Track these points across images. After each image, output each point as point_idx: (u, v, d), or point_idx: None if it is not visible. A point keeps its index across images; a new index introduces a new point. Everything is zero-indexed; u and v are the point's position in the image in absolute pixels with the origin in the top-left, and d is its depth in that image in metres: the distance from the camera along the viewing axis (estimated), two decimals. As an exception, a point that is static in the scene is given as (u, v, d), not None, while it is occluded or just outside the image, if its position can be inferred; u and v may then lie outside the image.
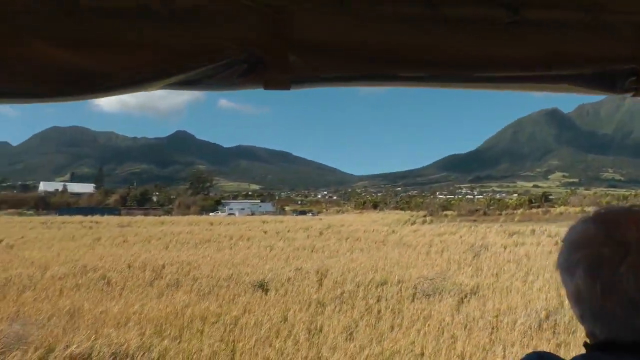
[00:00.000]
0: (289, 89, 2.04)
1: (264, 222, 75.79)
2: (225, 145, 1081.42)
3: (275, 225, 66.28)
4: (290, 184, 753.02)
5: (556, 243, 37.09)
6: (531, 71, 2.15)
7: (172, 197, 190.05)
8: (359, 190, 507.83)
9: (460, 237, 45.41)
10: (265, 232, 52.24)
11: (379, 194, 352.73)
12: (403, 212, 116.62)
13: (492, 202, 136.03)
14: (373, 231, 52.60)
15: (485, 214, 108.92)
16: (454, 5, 1.99)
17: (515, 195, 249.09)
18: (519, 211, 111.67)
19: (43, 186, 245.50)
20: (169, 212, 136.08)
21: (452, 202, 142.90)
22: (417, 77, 2.13)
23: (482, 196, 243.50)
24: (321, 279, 22.24)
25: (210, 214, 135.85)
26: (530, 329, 14.28)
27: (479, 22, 2.03)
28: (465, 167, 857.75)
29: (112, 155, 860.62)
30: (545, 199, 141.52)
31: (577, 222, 1.55)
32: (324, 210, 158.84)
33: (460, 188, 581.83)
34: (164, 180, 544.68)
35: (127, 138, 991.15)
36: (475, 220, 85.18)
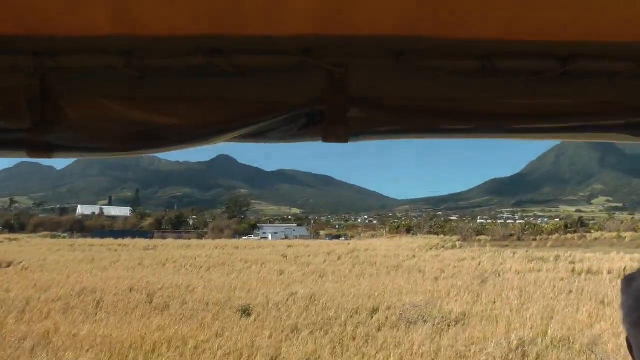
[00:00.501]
0: (347, 142, 2.08)
1: (289, 246, 75.62)
2: (267, 170, 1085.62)
3: (299, 249, 66.09)
4: (331, 208, 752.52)
5: (573, 270, 36.52)
6: (581, 121, 2.17)
7: (208, 220, 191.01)
8: (399, 215, 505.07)
9: (479, 263, 44.85)
10: (284, 257, 52.07)
11: (418, 218, 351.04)
12: (436, 236, 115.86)
13: (527, 227, 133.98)
14: (393, 256, 52.19)
15: (519, 239, 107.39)
16: (507, 58, 2.03)
17: (557, 219, 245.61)
18: (554, 237, 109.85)
19: (81, 209, 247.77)
20: (202, 236, 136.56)
21: (487, 226, 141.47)
22: (471, 129, 2.17)
23: (523, 221, 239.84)
24: (308, 305, 21.97)
25: (243, 237, 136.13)
26: (494, 359, 13.90)
27: (531, 73, 2.07)
28: (507, 191, 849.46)
29: (155, 179, 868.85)
30: (581, 224, 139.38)
31: None
32: (360, 234, 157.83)
33: (502, 212, 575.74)
34: (205, 204, 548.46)
35: (170, 162, 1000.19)
36: (506, 246, 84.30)
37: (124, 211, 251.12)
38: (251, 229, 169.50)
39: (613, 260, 43.45)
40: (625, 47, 2.08)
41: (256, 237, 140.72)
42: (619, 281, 1.26)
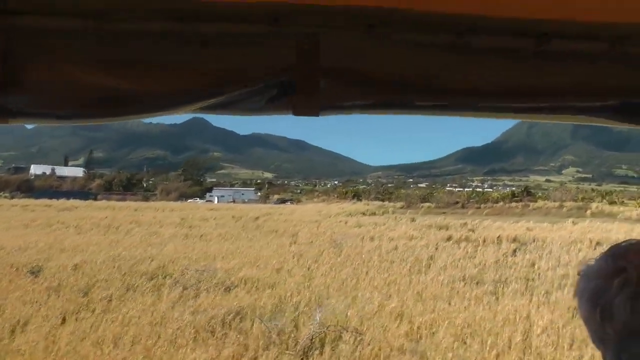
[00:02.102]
0: (317, 115, 2.01)
1: (212, 209, 74.82)
2: (241, 133, 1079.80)
3: (217, 212, 65.27)
4: (304, 173, 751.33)
5: (449, 237, 36.02)
6: (556, 102, 2.16)
7: (165, 183, 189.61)
8: (369, 181, 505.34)
9: (375, 228, 44.38)
10: (183, 219, 51.24)
11: (388, 185, 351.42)
12: (381, 202, 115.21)
13: (473, 194, 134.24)
14: (298, 221, 51.42)
15: (462, 206, 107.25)
16: (482, 35, 2.00)
17: (552, 189, 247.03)
18: (498, 205, 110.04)
19: (33, 169, 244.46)
20: (147, 198, 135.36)
21: (434, 193, 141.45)
22: (442, 106, 2.13)
23: (491, 189, 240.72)
24: (101, 268, 21.41)
25: (189, 200, 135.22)
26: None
27: (506, 51, 2.06)
28: (479, 160, 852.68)
29: (127, 140, 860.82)
30: (527, 193, 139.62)
31: (597, 257, 1.54)
32: (313, 199, 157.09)
33: (473, 181, 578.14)
34: (177, 166, 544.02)
35: (143, 124, 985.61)
36: (444, 213, 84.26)
37: (77, 172, 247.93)
38: (202, 192, 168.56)
39: (518, 229, 43.28)
40: (602, 28, 2.07)
41: (202, 201, 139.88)
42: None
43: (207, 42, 1.90)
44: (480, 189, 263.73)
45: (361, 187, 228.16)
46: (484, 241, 33.86)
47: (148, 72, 1.93)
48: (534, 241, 33.91)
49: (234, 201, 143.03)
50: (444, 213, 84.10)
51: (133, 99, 1.95)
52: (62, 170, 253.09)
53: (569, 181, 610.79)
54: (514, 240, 34.62)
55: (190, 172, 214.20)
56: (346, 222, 52.12)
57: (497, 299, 17.34)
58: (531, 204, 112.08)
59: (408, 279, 20.65)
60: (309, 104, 1.95)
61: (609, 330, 1.41)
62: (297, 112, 1.97)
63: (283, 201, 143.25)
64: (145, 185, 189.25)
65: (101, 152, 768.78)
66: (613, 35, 2.07)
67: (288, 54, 1.91)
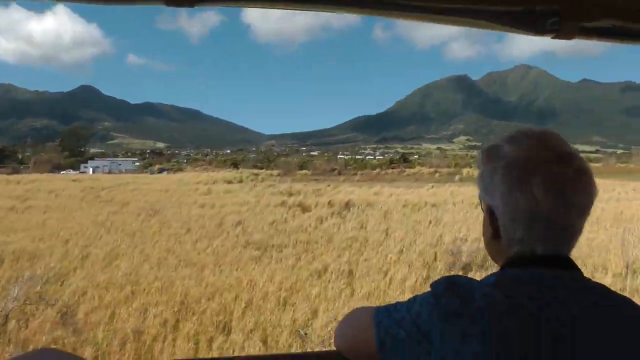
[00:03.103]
0: (192, 7, 1.84)
1: (74, 180, 72.68)
2: (133, 102, 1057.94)
3: (73, 184, 63.18)
4: (197, 142, 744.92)
5: (282, 203, 35.66)
6: (454, 3, 2.06)
7: (42, 154, 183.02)
8: (262, 149, 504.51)
9: (219, 195, 43.97)
10: (26, 191, 49.30)
11: (282, 153, 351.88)
12: (258, 170, 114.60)
13: (352, 162, 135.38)
14: (148, 191, 50.29)
15: (339, 173, 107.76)
16: None
17: (416, 156, 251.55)
18: (375, 171, 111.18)
19: None
20: (18, 171, 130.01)
21: (314, 161, 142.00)
22: (341, 0, 1.96)
23: (382, 157, 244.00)
24: None
25: (62, 172, 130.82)
26: None
27: None
28: (373, 128, 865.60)
29: (11, 109, 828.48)
30: (404, 160, 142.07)
31: (507, 142, 1.56)
32: (195, 168, 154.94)
33: (365, 149, 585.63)
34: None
35: (28, 91, 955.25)
36: (317, 180, 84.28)
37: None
38: (78, 164, 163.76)
39: (366, 194, 43.64)
40: None
41: (74, 172, 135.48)
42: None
43: None
44: (372, 157, 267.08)
45: (251, 155, 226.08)
46: (316, 206, 33.73)
47: None
48: (367, 205, 34.00)
49: (109, 172, 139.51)
50: (316, 180, 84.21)
51: None
52: None
53: (460, 149, 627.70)
54: (346, 204, 34.54)
55: (69, 143, 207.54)
56: (196, 189, 51.37)
57: (257, 263, 16.91)
58: (407, 170, 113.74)
59: (190, 246, 20.19)
60: None
61: (562, 213, 1.43)
62: (170, 2, 1.79)
63: (162, 171, 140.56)
64: (20, 157, 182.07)
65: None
66: None
67: None
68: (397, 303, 1.48)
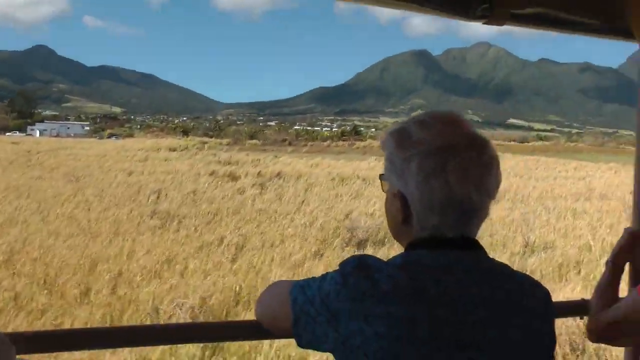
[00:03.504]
0: None
1: (12, 142, 71.16)
2: (88, 65, 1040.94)
3: (10, 147, 62.02)
4: (154, 108, 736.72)
5: (211, 173, 35.18)
6: None
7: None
8: (219, 118, 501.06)
9: (154, 163, 43.38)
10: None
11: (238, 122, 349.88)
12: (208, 138, 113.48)
13: (303, 133, 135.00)
14: (84, 157, 49.41)
15: (290, 144, 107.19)
16: None
17: (374, 129, 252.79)
18: (326, 143, 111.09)
19: None
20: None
21: (265, 131, 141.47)
22: None
23: (338, 129, 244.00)
24: None
25: (7, 134, 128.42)
26: None
27: None
28: (332, 100, 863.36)
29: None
30: (355, 133, 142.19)
31: (417, 126, 1.53)
32: (146, 135, 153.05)
33: (323, 120, 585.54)
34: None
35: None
36: (265, 150, 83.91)
37: None
38: (27, 125, 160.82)
39: (303, 165, 43.85)
40: None
41: (21, 134, 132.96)
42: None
43: None
44: (329, 128, 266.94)
45: (206, 124, 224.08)
46: (246, 176, 33.39)
47: None
48: (298, 177, 33.73)
49: (57, 135, 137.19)
50: (264, 150, 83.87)
51: None
52: None
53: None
54: (277, 175, 34.21)
55: (19, 104, 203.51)
56: (134, 156, 50.52)
57: (153, 233, 16.48)
58: (357, 142, 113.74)
59: (95, 214, 19.69)
60: None
61: (476, 197, 1.45)
62: None
63: (111, 136, 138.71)
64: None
65: None
66: None
67: None
68: (311, 279, 1.49)
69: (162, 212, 19.89)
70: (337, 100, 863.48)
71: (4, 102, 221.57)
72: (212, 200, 23.47)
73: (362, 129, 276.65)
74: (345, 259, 1.50)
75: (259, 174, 34.79)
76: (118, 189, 26.74)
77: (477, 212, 1.49)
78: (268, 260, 13.49)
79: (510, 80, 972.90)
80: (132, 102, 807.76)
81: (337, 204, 23.07)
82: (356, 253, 13.74)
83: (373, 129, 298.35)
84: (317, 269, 12.17)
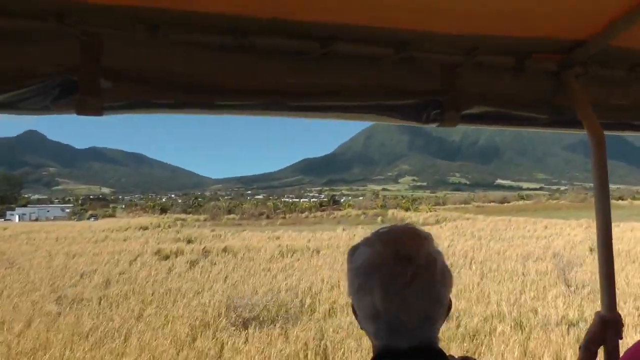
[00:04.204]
0: (101, 115, 2.02)
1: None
2: (78, 147, 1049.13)
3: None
4: (143, 187, 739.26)
5: (157, 252, 34.60)
6: (342, 101, 2.26)
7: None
8: (208, 194, 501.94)
9: (110, 243, 42.67)
10: None
11: (226, 197, 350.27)
12: (185, 215, 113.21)
13: (282, 205, 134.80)
14: (41, 240, 48.70)
15: (268, 217, 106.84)
16: (265, 36, 2.07)
17: (362, 198, 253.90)
18: (304, 214, 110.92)
19: None
20: None
21: (243, 204, 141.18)
22: (232, 106, 2.17)
23: (326, 199, 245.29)
24: None
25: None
26: None
27: (291, 53, 2.14)
28: (319, 171, 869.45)
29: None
30: (334, 202, 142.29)
31: (364, 244, 1.61)
32: (129, 214, 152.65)
33: (311, 191, 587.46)
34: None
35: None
36: (240, 225, 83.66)
37: None
38: (7, 210, 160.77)
39: (258, 239, 42.45)
40: (386, 32, 2.19)
41: (0, 219, 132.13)
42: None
43: None
44: (316, 199, 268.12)
45: (195, 200, 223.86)
46: (191, 252, 33.02)
47: None
48: (246, 251, 33.29)
49: (37, 219, 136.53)
50: (239, 225, 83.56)
51: None
52: None
53: (405, 189, 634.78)
54: (223, 250, 33.82)
55: (3, 190, 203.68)
56: (92, 237, 49.68)
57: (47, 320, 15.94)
58: (335, 212, 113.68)
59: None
60: (92, 104, 1.94)
61: (405, 318, 1.49)
62: (80, 111, 1.95)
63: (91, 217, 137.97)
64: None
65: None
66: (398, 41, 2.19)
67: (72, 53, 1.90)
68: None
69: (69, 296, 19.33)
70: (325, 170, 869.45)
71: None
72: (132, 282, 22.87)
73: (344, 198, 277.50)
74: None
75: (203, 249, 34.20)
76: (46, 272, 26.10)
77: (413, 326, 1.51)
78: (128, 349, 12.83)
79: (495, 141, 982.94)
80: (122, 182, 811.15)
81: (255, 280, 22.41)
82: (240, 334, 13.37)
83: (361, 197, 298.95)
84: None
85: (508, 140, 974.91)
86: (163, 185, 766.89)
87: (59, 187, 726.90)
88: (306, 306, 16.89)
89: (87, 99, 1.91)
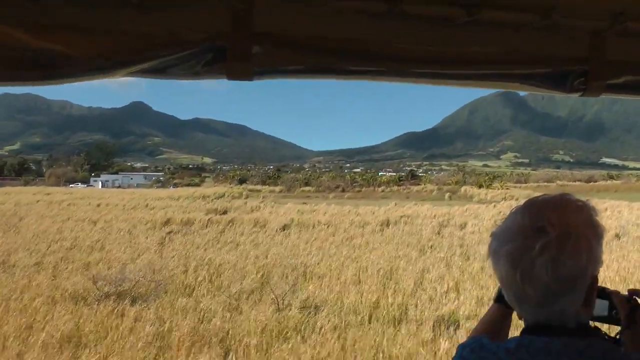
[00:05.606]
0: (252, 80, 2.07)
1: (48, 194, 72.95)
2: (182, 118, 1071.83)
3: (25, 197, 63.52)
4: (244, 158, 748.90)
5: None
6: (485, 69, 2.25)
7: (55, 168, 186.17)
8: (306, 166, 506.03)
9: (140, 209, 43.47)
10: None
11: (324, 170, 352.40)
12: (261, 186, 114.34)
13: (360, 178, 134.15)
14: (73, 205, 50.00)
15: (343, 190, 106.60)
16: (413, 3, 2.04)
17: (443, 173, 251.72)
18: (381, 189, 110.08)
19: None
20: (28, 183, 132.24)
21: (321, 177, 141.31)
22: (375, 71, 2.16)
23: (425, 174, 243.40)
24: None
25: (71, 185, 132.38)
26: None
27: (437, 19, 2.11)
28: (421, 145, 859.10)
29: (66, 124, 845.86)
30: (412, 177, 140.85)
31: (511, 212, 1.59)
32: (216, 184, 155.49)
33: (410, 165, 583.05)
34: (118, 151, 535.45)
35: (82, 107, 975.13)
36: (308, 197, 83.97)
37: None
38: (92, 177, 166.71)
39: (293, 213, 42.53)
40: None
41: (83, 185, 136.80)
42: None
43: (140, 5, 1.88)
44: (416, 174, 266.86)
45: (291, 174, 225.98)
46: (199, 222, 33.34)
47: (82, 35, 1.87)
48: (250, 223, 33.87)
49: (119, 186, 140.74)
50: (307, 197, 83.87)
51: (65, 62, 1.88)
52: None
53: (507, 166, 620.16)
54: (230, 222, 34.01)
55: (97, 157, 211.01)
56: (135, 206, 50.62)
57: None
58: (411, 187, 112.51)
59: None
60: (243, 69, 1.99)
61: (529, 291, 1.47)
62: (231, 76, 2.00)
63: (175, 185, 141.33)
64: (36, 169, 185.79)
65: (38, 137, 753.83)
66: (545, 6, 2.13)
67: (222, 19, 1.93)
68: None
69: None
70: (426, 145, 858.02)
71: (81, 155, 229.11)
72: (102, 248, 23.34)
73: (435, 172, 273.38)
74: (464, 341, 1.63)
75: (208, 221, 34.40)
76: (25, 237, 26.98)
77: (541, 301, 1.49)
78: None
79: (602, 117, 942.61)
80: (224, 152, 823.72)
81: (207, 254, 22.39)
82: (118, 308, 13.23)
83: (442, 173, 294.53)
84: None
85: (615, 116, 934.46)
86: (263, 156, 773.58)
87: (163, 156, 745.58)
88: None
89: (238, 64, 1.95)
